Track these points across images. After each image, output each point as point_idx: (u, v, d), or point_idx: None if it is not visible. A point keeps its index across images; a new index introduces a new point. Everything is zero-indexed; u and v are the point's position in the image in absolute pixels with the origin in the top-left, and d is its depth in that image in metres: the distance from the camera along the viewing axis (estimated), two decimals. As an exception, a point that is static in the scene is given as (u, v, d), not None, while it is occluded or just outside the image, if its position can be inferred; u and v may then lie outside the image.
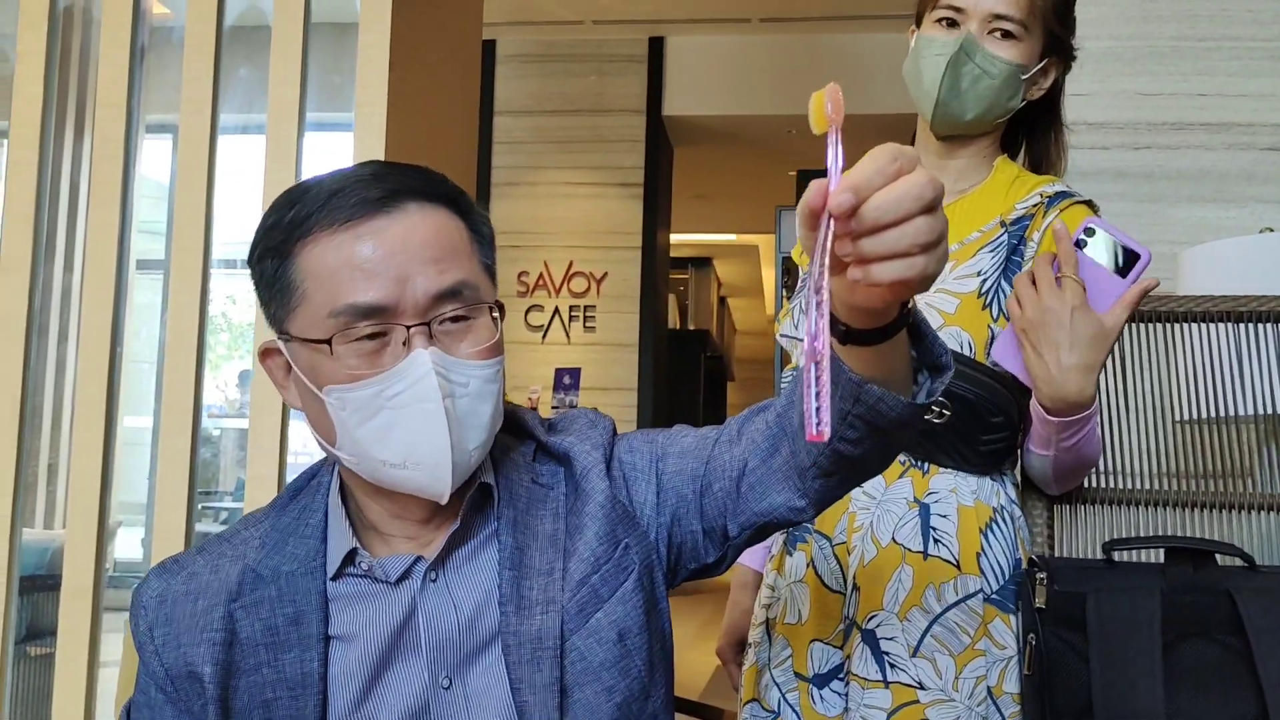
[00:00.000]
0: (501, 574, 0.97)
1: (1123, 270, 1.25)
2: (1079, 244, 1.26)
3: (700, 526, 1.01)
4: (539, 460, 1.04)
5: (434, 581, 0.98)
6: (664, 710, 1.03)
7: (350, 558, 0.98)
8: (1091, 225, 1.28)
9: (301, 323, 0.92)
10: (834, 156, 0.67)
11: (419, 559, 0.98)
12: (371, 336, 0.90)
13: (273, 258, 0.94)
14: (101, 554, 2.23)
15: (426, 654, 0.96)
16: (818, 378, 0.66)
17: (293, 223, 0.92)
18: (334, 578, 0.98)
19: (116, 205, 2.23)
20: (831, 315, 0.78)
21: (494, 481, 1.01)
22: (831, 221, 0.68)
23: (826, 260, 0.67)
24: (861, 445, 0.87)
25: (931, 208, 0.69)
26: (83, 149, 3.80)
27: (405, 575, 0.98)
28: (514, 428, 1.07)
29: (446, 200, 0.96)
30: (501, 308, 0.97)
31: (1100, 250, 1.26)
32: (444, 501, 0.94)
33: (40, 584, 3.15)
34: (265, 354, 0.98)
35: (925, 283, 0.71)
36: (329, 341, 0.90)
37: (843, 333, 0.80)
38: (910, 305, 0.81)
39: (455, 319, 0.93)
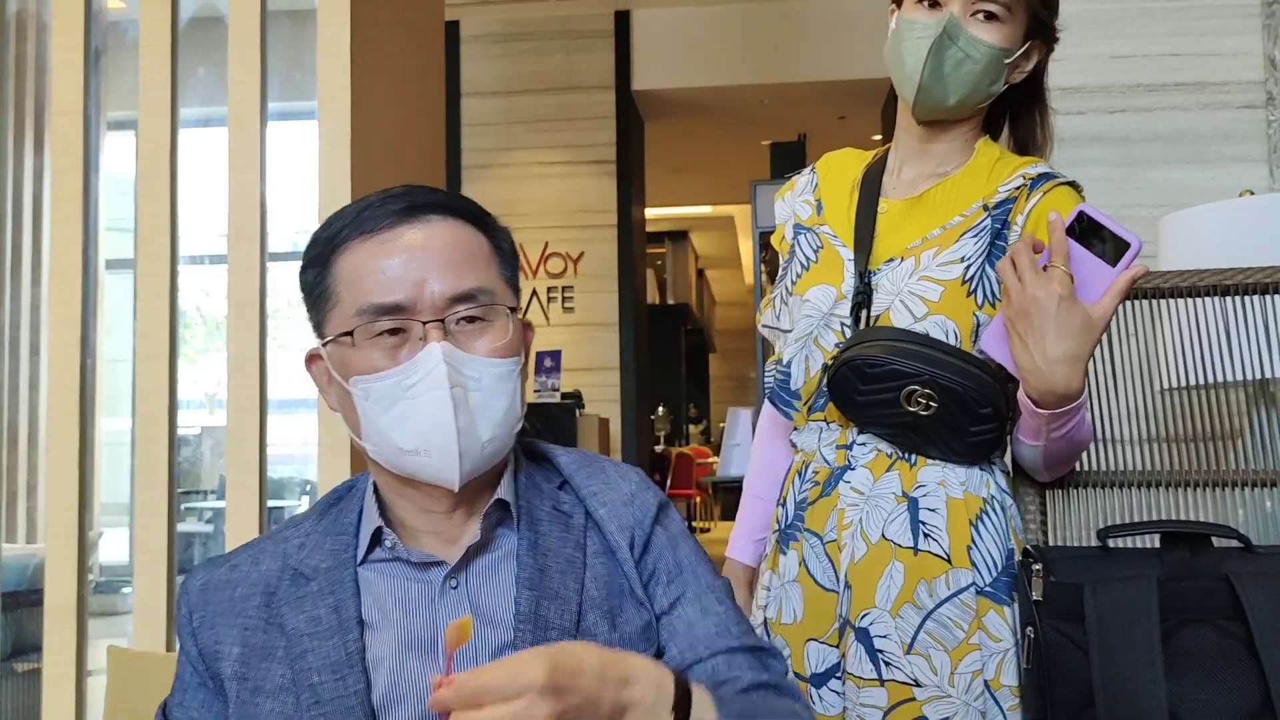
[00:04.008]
0: (520, 593, 1.02)
1: (1113, 259, 1.23)
2: (1070, 231, 1.24)
3: None
4: (564, 490, 1.11)
5: (454, 589, 1.03)
6: None
7: (377, 538, 1.05)
8: (1084, 212, 1.25)
9: (334, 323, 1.03)
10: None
11: (441, 563, 1.04)
12: (392, 333, 1.00)
13: (314, 268, 1.05)
14: (83, 569, 2.20)
15: (442, 659, 1.00)
16: None
17: (330, 237, 1.04)
18: (361, 562, 1.05)
19: (79, 218, 2.18)
20: None
21: (512, 500, 1.07)
22: None
23: None
24: None
25: None
26: (44, 161, 3.73)
27: (428, 566, 1.04)
28: (540, 459, 1.14)
29: (469, 216, 1.06)
30: (521, 317, 1.07)
31: (1091, 239, 1.23)
32: (455, 488, 1.01)
33: (24, 599, 3.12)
34: (311, 360, 1.08)
35: None
36: (352, 334, 1.00)
37: None
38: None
39: (470, 319, 1.01)
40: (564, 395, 6.11)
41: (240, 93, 2.14)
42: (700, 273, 14.27)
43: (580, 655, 0.86)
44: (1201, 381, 1.63)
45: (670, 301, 12.56)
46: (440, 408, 0.98)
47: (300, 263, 1.06)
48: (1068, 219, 1.25)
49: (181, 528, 2.18)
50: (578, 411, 5.94)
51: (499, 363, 1.02)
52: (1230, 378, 1.62)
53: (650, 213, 7.81)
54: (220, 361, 2.15)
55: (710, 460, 10.65)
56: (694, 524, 10.80)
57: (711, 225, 12.32)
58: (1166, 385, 1.75)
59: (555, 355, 6.19)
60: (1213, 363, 1.61)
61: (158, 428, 2.13)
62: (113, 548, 4.99)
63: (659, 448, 10.57)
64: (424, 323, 0.99)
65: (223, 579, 1.07)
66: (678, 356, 12.35)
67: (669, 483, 10.21)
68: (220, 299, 2.18)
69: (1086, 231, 1.24)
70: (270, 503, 2.19)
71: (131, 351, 2.21)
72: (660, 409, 10.53)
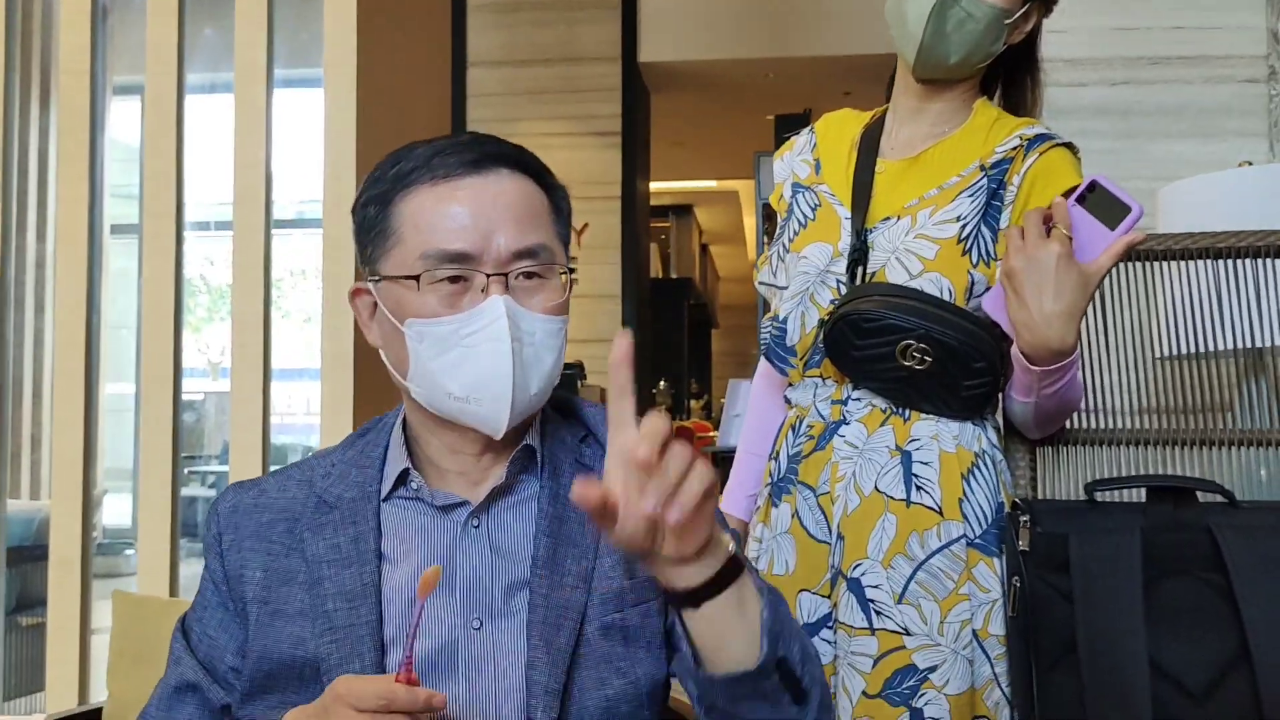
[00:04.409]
0: (539, 539, 1.05)
1: (1114, 224, 1.25)
2: (1081, 199, 1.26)
3: None
4: (586, 444, 1.13)
5: (476, 527, 1.06)
6: None
7: (403, 479, 1.07)
8: (1095, 181, 1.27)
9: (394, 263, 1.03)
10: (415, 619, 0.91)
11: (465, 502, 1.06)
12: (454, 280, 1.01)
13: (375, 205, 1.05)
14: (88, 524, 2.23)
15: (459, 593, 1.03)
16: None
17: (397, 175, 1.04)
18: (385, 498, 1.07)
19: (85, 177, 2.20)
20: (670, 590, 0.91)
21: (539, 447, 1.09)
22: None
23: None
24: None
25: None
26: (49, 118, 3.73)
27: (451, 508, 1.06)
28: (567, 411, 1.16)
29: (533, 173, 1.07)
30: (573, 272, 1.09)
31: (1098, 206, 1.26)
32: (499, 435, 1.04)
33: (27, 554, 3.15)
34: (355, 294, 1.09)
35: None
36: (417, 279, 1.01)
37: (683, 596, 0.90)
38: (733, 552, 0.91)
39: (529, 275, 1.03)
40: (566, 365, 6.12)
41: (247, 55, 2.15)
42: (704, 248, 14.24)
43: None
44: (1194, 350, 1.64)
45: (673, 275, 12.55)
46: (500, 359, 1.00)
47: (361, 199, 1.07)
48: (1080, 186, 1.27)
49: (184, 491, 2.20)
50: (579, 382, 5.96)
51: (551, 319, 1.04)
52: (1222, 346, 1.64)
53: (654, 186, 7.79)
54: (224, 330, 2.17)
55: (711, 434, 10.68)
56: (694, 498, 10.81)
57: (716, 200, 12.29)
58: (1160, 354, 1.76)
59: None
60: (1207, 330, 1.62)
61: (162, 387, 2.16)
62: (115, 512, 5.03)
63: (660, 421, 10.56)
64: (488, 275, 1.01)
65: (250, 503, 1.10)
66: (680, 331, 12.34)
67: (670, 456, 10.21)
68: (225, 267, 2.20)
69: (1093, 199, 1.27)
70: (273, 468, 2.22)
71: (136, 317, 2.23)
72: (662, 383, 10.55)
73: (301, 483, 1.11)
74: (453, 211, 1.01)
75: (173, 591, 2.21)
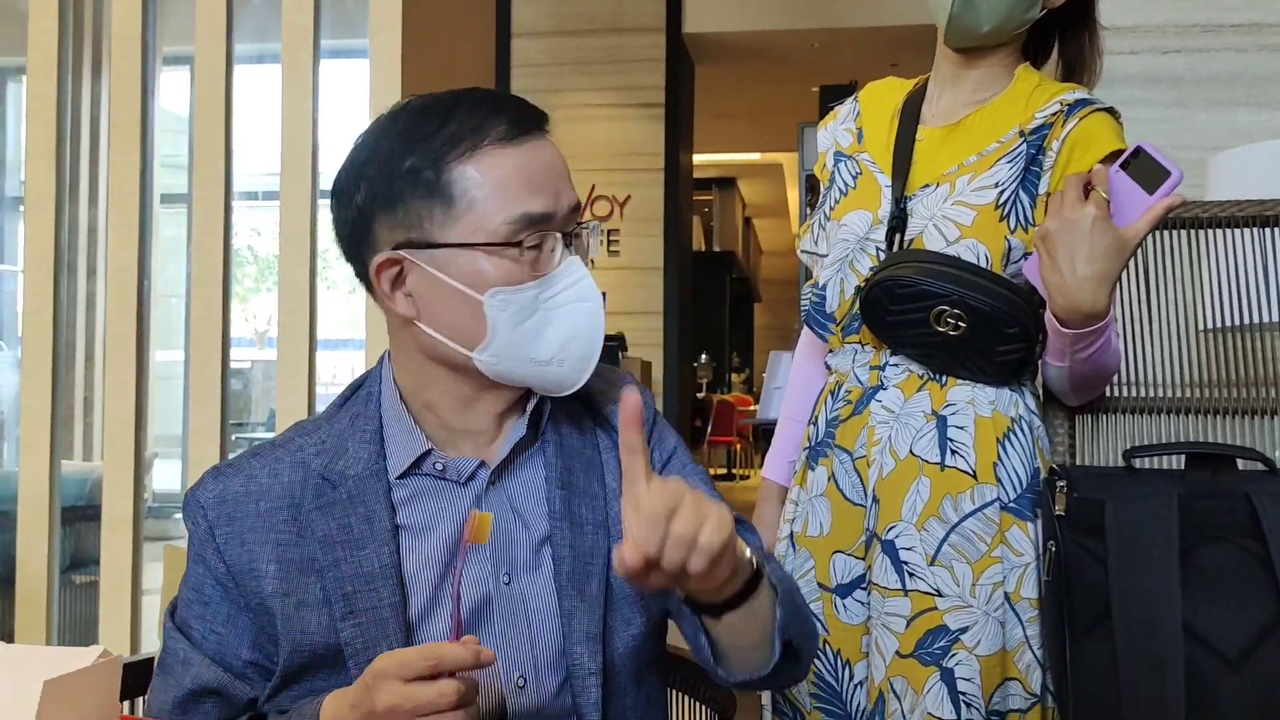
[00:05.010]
0: (551, 491, 1.05)
1: (1153, 189, 1.24)
2: (1125, 165, 1.25)
3: None
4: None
5: (495, 485, 1.06)
6: (657, 663, 1.12)
7: (422, 460, 1.04)
8: (1140, 147, 1.26)
9: (465, 229, 0.98)
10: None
11: (482, 464, 1.05)
12: (535, 245, 0.99)
13: (429, 167, 0.99)
14: (139, 484, 2.28)
15: (490, 550, 1.03)
16: None
17: (458, 134, 0.99)
18: (400, 477, 1.04)
19: (136, 144, 2.23)
20: (691, 601, 0.94)
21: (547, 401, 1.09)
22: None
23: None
24: None
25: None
26: (101, 86, 3.79)
27: (471, 477, 1.05)
28: None
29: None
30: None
31: (1140, 171, 1.25)
32: (567, 393, 1.04)
33: (81, 514, 3.23)
34: (383, 266, 1.01)
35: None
36: (520, 244, 0.98)
37: (706, 607, 0.94)
38: (755, 565, 0.94)
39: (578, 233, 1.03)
40: (608, 338, 6.14)
41: (294, 21, 2.17)
42: (747, 221, 14.19)
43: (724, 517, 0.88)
44: (1240, 323, 1.62)
45: (716, 249, 12.52)
46: (594, 317, 1.01)
47: (402, 161, 1.00)
48: (1125, 152, 1.26)
49: (232, 456, 2.25)
50: (620, 354, 5.98)
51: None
52: (1268, 319, 1.62)
53: (698, 158, 7.77)
54: (270, 301, 2.20)
55: (752, 408, 10.68)
56: (734, 471, 10.86)
57: (760, 173, 12.23)
58: (1204, 327, 1.74)
59: (599, 297, 6.20)
60: (1252, 301, 1.60)
61: (211, 354, 2.19)
62: (165, 477, 5.13)
63: (700, 394, 10.61)
64: (564, 233, 1.01)
65: (240, 491, 1.04)
66: (722, 304, 12.33)
67: (710, 429, 10.27)
68: (271, 238, 2.23)
69: (1136, 164, 1.26)
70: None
71: (185, 286, 2.27)
72: (703, 356, 10.55)
73: (294, 464, 1.05)
74: (530, 173, 1.00)
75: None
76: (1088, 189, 1.25)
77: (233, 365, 2.30)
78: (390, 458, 1.05)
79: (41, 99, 2.25)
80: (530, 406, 1.07)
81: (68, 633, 3.02)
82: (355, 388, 1.11)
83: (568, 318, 1.00)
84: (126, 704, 1.21)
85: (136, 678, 1.20)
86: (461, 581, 0.95)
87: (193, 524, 1.04)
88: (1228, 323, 1.63)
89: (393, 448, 1.05)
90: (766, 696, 1.48)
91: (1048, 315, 1.29)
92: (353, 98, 2.35)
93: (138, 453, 2.26)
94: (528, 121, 1.01)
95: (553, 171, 1.02)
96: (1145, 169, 1.25)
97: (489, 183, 0.98)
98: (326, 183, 2.23)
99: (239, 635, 1.03)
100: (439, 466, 1.04)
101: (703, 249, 11.93)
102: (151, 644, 2.28)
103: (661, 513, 0.83)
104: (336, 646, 1.00)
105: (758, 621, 0.96)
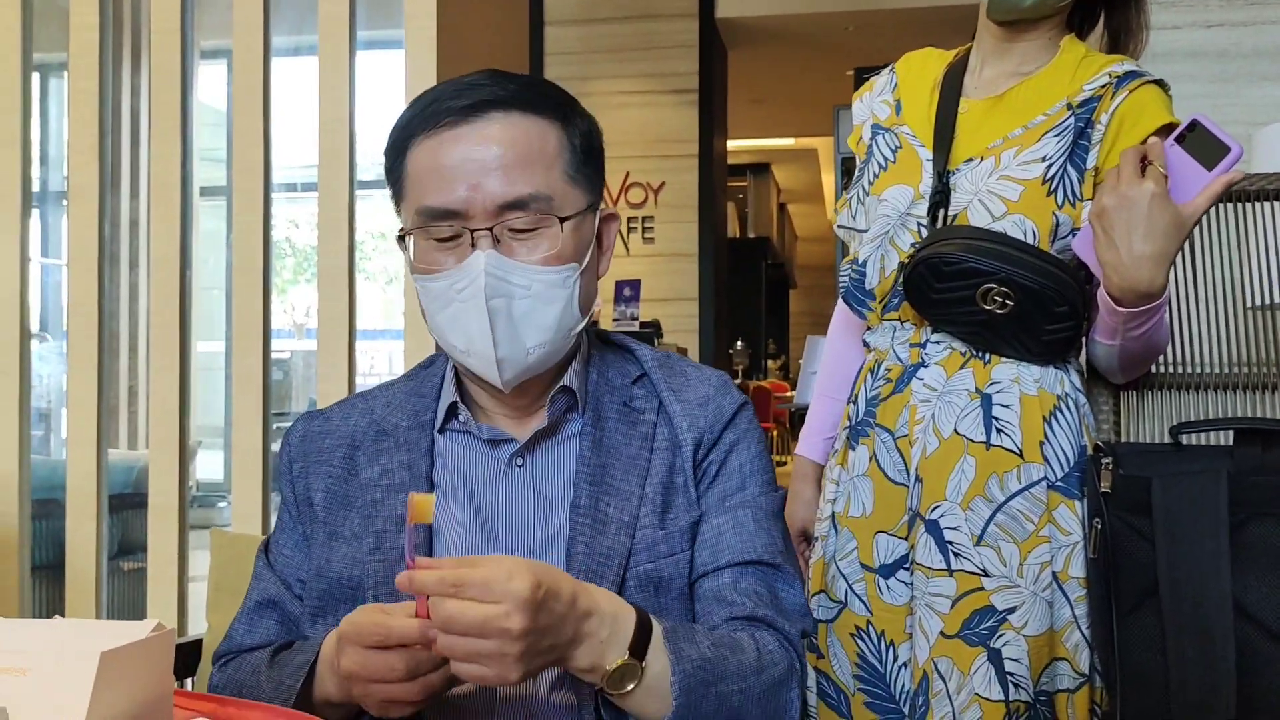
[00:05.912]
0: (579, 486, 1.05)
1: (1211, 165, 1.22)
2: (1180, 139, 1.23)
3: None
4: (640, 384, 1.12)
5: (519, 467, 1.07)
6: None
7: (453, 411, 1.10)
8: (1196, 120, 1.24)
9: (404, 216, 1.06)
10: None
11: (511, 439, 1.08)
12: (446, 237, 1.02)
13: (392, 156, 1.06)
14: (184, 472, 2.31)
15: (502, 534, 1.05)
16: None
17: (405, 126, 1.04)
18: (439, 430, 1.10)
19: (177, 135, 2.25)
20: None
21: (579, 388, 1.09)
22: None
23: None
24: None
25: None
26: (140, 79, 3.83)
27: (498, 444, 1.08)
28: (621, 349, 1.16)
29: (541, 109, 1.03)
30: (606, 215, 1.09)
31: (1196, 146, 1.23)
32: (506, 391, 1.05)
33: (128, 502, 3.28)
34: (402, 239, 1.08)
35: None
36: (411, 234, 1.04)
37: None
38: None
39: (517, 230, 1.01)
40: (643, 324, 6.16)
41: (330, 11, 2.18)
42: (782, 206, 14.11)
43: (559, 580, 0.87)
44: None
45: (751, 235, 12.47)
46: (479, 317, 1.00)
47: (386, 148, 1.08)
48: (1180, 126, 1.24)
49: (274, 446, 2.27)
50: (655, 340, 5.98)
51: (549, 271, 1.01)
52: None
53: (732, 144, 7.73)
54: (308, 292, 2.22)
55: (788, 394, 10.65)
56: (772, 457, 10.83)
57: (794, 158, 12.15)
58: (1251, 304, 1.72)
59: (635, 285, 6.22)
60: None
61: (252, 344, 2.22)
62: (209, 466, 5.20)
63: (736, 381, 10.59)
64: (473, 230, 1.00)
65: (317, 430, 1.15)
66: (757, 291, 12.27)
67: (746, 416, 10.22)
68: (309, 230, 2.24)
69: (1191, 139, 1.24)
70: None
71: (225, 278, 2.29)
72: (739, 343, 10.52)
73: (364, 411, 1.14)
74: (443, 165, 1.00)
75: (265, 527, 2.29)
76: (1144, 164, 1.23)
77: (273, 355, 2.32)
78: (439, 413, 1.11)
79: (84, 93, 2.27)
80: (549, 398, 1.08)
81: (116, 617, 3.07)
82: (441, 353, 1.18)
83: (467, 313, 1.01)
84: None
85: (184, 659, 1.23)
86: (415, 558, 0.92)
87: (281, 458, 1.15)
88: (1275, 299, 1.60)
89: (441, 403, 1.12)
90: (811, 679, 1.47)
91: (1101, 293, 1.27)
92: (389, 88, 2.36)
93: (182, 440, 2.29)
94: (446, 114, 1.01)
95: (471, 165, 1.00)
96: (1202, 143, 1.22)
97: (412, 173, 1.04)
98: (364, 173, 2.26)
99: (302, 559, 1.11)
100: (463, 420, 1.09)
101: (737, 235, 11.88)
102: (199, 628, 2.31)
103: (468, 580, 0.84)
104: (358, 579, 1.05)
105: (651, 694, 0.93)
